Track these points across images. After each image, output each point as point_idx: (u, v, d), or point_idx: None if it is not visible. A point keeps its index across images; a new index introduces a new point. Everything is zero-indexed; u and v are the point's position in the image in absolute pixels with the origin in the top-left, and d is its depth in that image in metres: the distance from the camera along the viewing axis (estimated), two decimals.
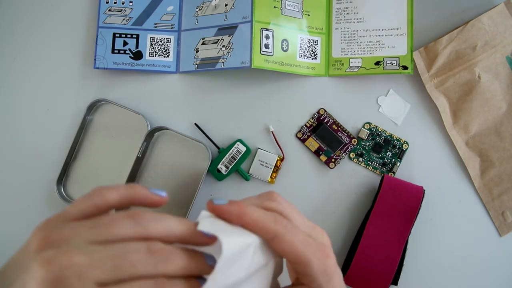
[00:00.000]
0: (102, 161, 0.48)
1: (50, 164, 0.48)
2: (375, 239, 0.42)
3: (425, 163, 0.48)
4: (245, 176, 0.47)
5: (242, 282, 0.23)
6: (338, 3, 0.49)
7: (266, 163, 0.47)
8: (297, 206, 0.47)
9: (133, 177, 0.47)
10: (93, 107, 0.48)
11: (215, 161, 0.47)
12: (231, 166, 0.46)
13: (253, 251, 0.23)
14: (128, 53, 0.48)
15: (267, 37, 0.46)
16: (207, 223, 0.23)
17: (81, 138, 0.48)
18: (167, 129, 0.47)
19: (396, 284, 0.44)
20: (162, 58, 0.48)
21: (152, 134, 0.47)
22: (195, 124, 0.48)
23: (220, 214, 0.23)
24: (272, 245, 0.24)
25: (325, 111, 0.48)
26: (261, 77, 0.49)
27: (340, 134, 0.48)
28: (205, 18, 0.48)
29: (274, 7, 0.46)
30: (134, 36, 0.48)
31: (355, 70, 0.48)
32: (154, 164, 0.48)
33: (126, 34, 0.48)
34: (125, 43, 0.48)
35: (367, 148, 0.48)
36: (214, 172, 0.46)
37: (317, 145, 0.48)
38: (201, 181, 0.46)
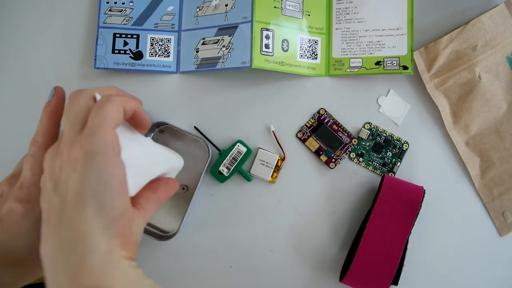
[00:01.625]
0: None
1: None
2: (376, 239, 0.42)
3: (425, 163, 0.48)
4: (247, 177, 0.47)
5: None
6: (338, 3, 0.49)
7: (267, 162, 0.47)
8: (298, 206, 0.48)
9: None
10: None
11: (216, 163, 0.46)
12: (232, 168, 0.46)
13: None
14: (129, 53, 0.48)
15: (267, 37, 0.46)
16: None
17: None
18: (167, 124, 0.46)
19: (396, 284, 0.44)
20: (162, 58, 0.48)
21: (152, 129, 0.47)
22: (195, 127, 0.48)
23: None
24: None
25: (325, 111, 0.48)
26: (261, 77, 0.49)
27: (340, 134, 0.48)
28: (205, 18, 0.48)
29: (274, 7, 0.46)
30: (135, 36, 0.48)
31: (355, 70, 0.48)
32: None
33: (126, 34, 0.48)
34: (125, 43, 0.48)
35: (367, 148, 0.48)
36: (216, 174, 0.46)
37: (318, 145, 0.48)
38: (200, 178, 0.45)
